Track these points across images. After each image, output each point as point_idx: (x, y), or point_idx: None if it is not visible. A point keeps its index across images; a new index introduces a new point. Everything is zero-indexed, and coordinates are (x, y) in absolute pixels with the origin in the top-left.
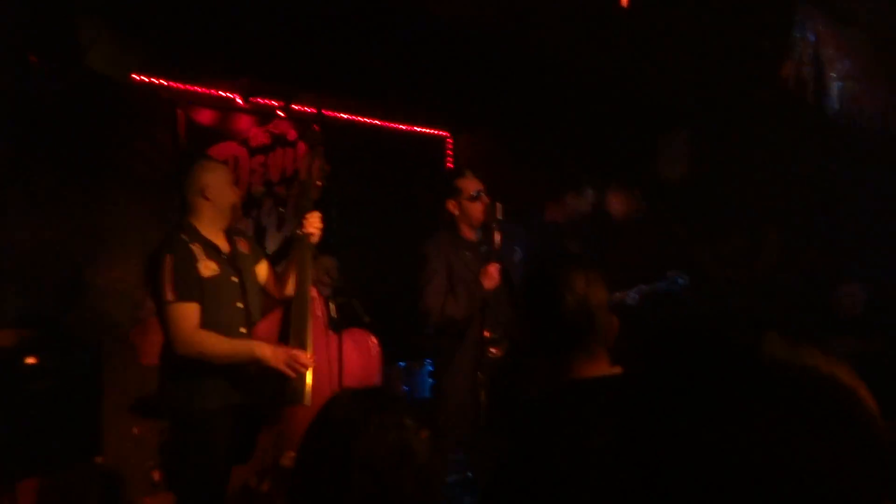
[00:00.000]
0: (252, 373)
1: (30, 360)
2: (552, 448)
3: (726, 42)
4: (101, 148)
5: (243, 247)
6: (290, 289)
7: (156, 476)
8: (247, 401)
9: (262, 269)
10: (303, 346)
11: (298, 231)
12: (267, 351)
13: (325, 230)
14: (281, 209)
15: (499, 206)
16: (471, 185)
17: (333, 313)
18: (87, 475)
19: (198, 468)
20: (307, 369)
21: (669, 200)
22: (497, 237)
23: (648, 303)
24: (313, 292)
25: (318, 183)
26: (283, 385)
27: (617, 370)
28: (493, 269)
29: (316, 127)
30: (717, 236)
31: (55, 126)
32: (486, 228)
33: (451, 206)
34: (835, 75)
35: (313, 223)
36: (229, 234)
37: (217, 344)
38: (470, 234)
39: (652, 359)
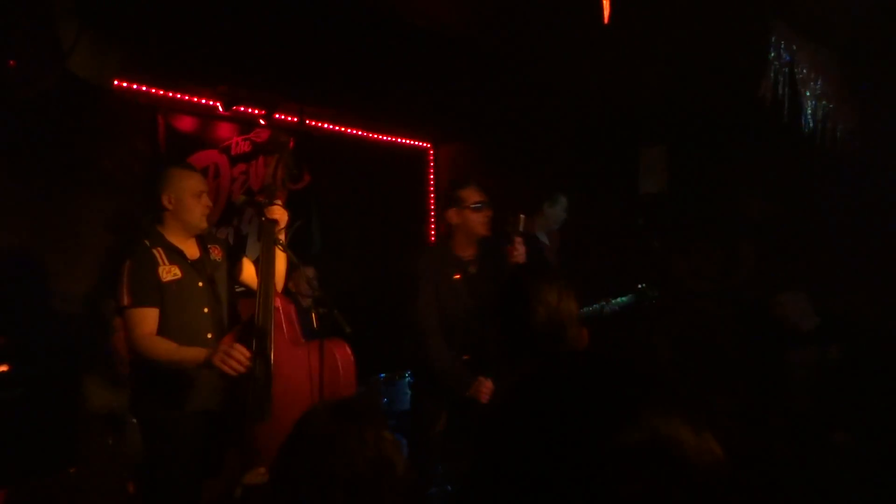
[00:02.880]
0: (216, 382)
1: (2, 368)
2: (514, 454)
3: (704, 60)
4: (80, 153)
5: (216, 254)
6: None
7: (130, 487)
8: (212, 407)
9: (241, 267)
10: (264, 347)
11: (263, 219)
12: (209, 354)
13: (306, 240)
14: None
15: (522, 217)
16: (474, 195)
17: (314, 324)
18: (61, 485)
19: (166, 476)
20: (243, 367)
21: (647, 213)
22: (521, 249)
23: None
24: (278, 302)
25: (284, 187)
26: (247, 400)
27: None
28: (519, 244)
29: (264, 133)
30: (694, 250)
31: (34, 131)
32: (505, 240)
33: (452, 215)
34: (809, 94)
35: (276, 211)
36: (202, 240)
37: (167, 352)
38: (465, 247)
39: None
